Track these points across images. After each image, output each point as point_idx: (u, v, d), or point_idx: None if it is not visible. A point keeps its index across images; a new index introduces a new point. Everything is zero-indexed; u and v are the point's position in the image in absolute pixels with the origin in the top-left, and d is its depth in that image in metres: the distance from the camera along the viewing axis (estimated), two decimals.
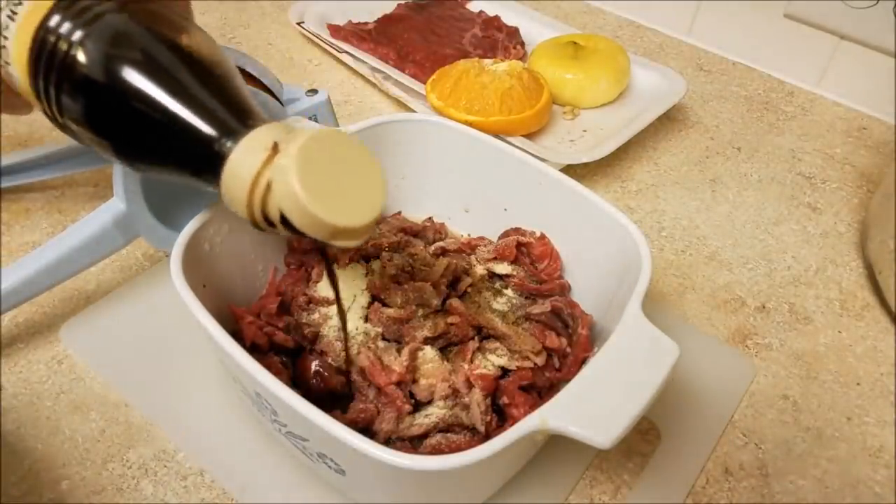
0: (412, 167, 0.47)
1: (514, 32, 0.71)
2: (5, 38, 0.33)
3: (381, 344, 0.38)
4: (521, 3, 0.77)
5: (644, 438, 0.41)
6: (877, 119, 0.68)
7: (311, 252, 0.43)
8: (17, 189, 0.53)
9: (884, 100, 0.67)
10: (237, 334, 0.37)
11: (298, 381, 0.37)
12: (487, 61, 0.60)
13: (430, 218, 0.48)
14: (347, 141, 0.29)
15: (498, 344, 0.39)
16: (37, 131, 0.60)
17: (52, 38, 0.32)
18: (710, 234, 0.55)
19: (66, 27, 0.32)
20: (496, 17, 0.72)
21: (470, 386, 0.37)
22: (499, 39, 0.70)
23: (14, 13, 0.33)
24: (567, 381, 0.37)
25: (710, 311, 0.49)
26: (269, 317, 0.39)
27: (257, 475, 0.38)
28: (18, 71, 0.34)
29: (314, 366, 0.37)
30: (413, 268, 0.41)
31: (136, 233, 0.44)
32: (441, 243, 0.45)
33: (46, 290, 0.42)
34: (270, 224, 0.30)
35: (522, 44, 0.71)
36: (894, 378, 0.46)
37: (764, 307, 0.50)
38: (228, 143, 0.29)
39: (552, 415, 0.29)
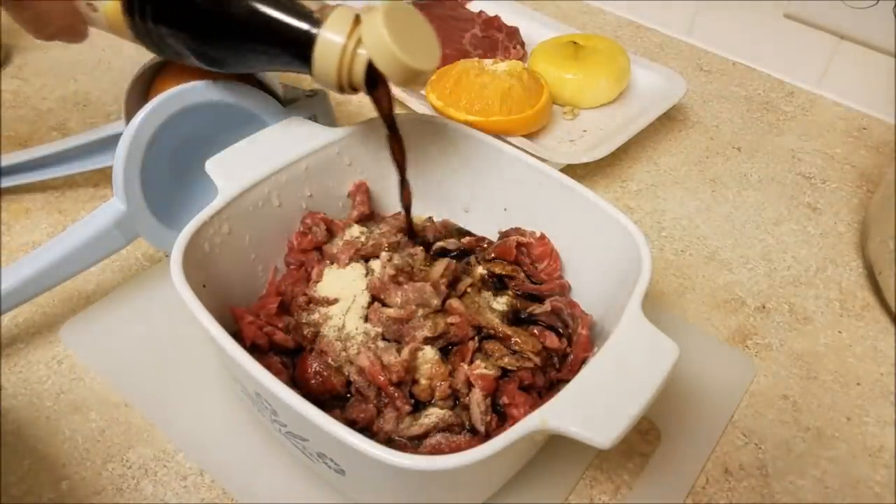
0: (412, 167, 0.46)
1: (514, 32, 0.71)
2: None
3: (381, 344, 0.38)
4: (521, 3, 0.77)
5: (644, 438, 0.41)
6: (877, 119, 0.68)
7: (311, 252, 0.43)
8: (17, 189, 0.53)
9: (884, 100, 0.67)
10: (237, 334, 0.37)
11: (298, 381, 0.37)
12: (487, 61, 0.60)
13: (430, 218, 0.48)
14: (413, 11, 0.39)
15: (498, 344, 0.39)
16: (37, 131, 0.60)
17: None
18: (710, 234, 0.55)
19: None
20: (496, 17, 0.72)
21: (470, 386, 0.37)
22: (499, 39, 0.70)
23: None
24: (567, 381, 0.37)
25: (710, 311, 0.49)
26: (269, 317, 0.39)
27: (257, 475, 0.38)
28: None
29: (314, 366, 0.37)
30: (413, 268, 0.41)
31: (136, 233, 0.44)
32: (441, 243, 0.45)
33: (46, 290, 0.42)
34: (353, 89, 0.39)
35: (522, 44, 0.71)
36: (894, 378, 0.46)
37: (764, 307, 0.50)
38: (314, 29, 0.37)
39: (552, 415, 0.29)
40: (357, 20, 0.37)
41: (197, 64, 0.41)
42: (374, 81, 0.38)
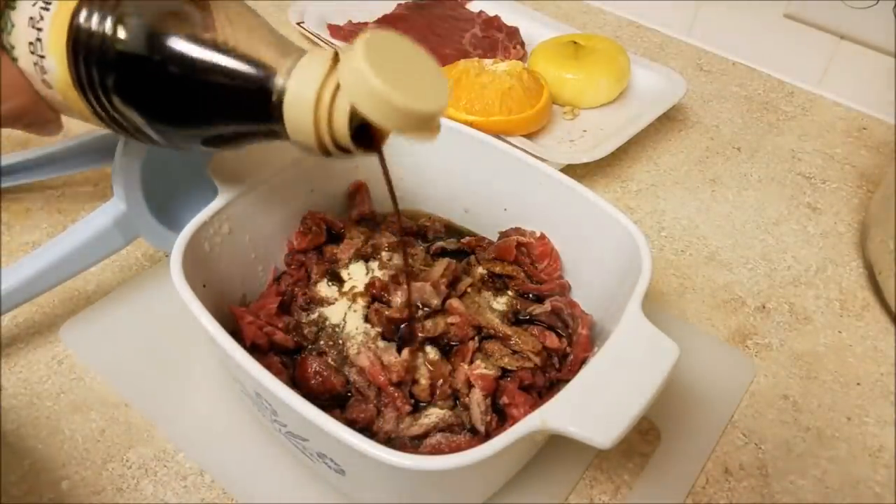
0: (412, 167, 0.47)
1: (514, 32, 0.71)
2: (40, 29, 0.33)
3: (381, 344, 0.38)
4: (521, 3, 0.77)
5: (644, 438, 0.41)
6: (877, 119, 0.68)
7: (310, 252, 0.43)
8: (17, 189, 0.53)
9: (884, 100, 0.67)
10: (237, 334, 0.37)
11: (298, 381, 0.37)
12: (487, 61, 0.60)
13: (429, 218, 0.48)
14: (403, 39, 0.30)
15: (498, 344, 0.39)
16: None
17: (88, 23, 0.32)
18: (710, 234, 0.55)
19: (96, 16, 0.32)
20: (496, 17, 0.72)
21: (470, 386, 0.37)
22: (499, 39, 0.70)
23: (48, 4, 0.33)
24: (567, 381, 0.37)
25: (710, 311, 0.49)
26: (269, 317, 0.39)
27: (257, 475, 0.38)
28: (56, 61, 0.33)
29: (314, 366, 0.37)
30: (413, 268, 0.41)
31: (136, 233, 0.44)
32: (441, 243, 0.45)
33: (46, 291, 0.42)
34: (339, 148, 0.30)
35: (522, 44, 0.71)
36: (894, 378, 0.46)
37: (764, 307, 0.50)
38: (281, 80, 0.30)
39: (552, 415, 0.29)
40: (335, 60, 0.29)
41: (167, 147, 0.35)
42: (370, 136, 0.30)
